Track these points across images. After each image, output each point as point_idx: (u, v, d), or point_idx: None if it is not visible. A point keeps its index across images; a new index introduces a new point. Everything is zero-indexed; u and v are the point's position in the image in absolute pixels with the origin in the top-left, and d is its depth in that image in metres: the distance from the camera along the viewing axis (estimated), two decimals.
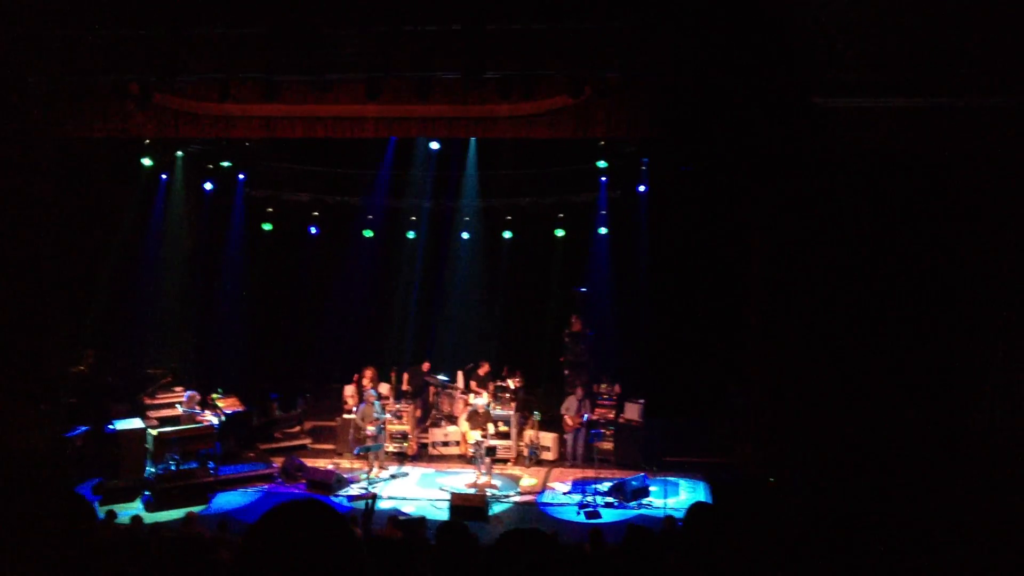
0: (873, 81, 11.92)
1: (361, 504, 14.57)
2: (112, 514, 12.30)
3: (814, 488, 12.05)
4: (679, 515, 12.53)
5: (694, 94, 12.44)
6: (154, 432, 15.19)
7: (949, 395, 11.87)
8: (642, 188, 17.42)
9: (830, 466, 11.96)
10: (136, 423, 15.73)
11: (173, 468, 15.06)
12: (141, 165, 16.80)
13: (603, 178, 18.09)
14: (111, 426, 15.67)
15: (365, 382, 17.44)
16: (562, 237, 19.09)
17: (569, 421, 16.51)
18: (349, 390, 17.61)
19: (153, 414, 16.18)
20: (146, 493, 14.79)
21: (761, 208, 13.51)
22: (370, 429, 16.01)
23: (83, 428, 15.50)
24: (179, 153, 17.95)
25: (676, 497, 14.69)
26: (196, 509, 13.81)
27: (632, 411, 16.61)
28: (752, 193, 13.52)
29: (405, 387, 17.98)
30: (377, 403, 16.36)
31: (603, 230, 18.65)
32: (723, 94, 12.38)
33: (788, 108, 12.35)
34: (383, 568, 7.92)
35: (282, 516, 2.48)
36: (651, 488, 14.90)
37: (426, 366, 18.37)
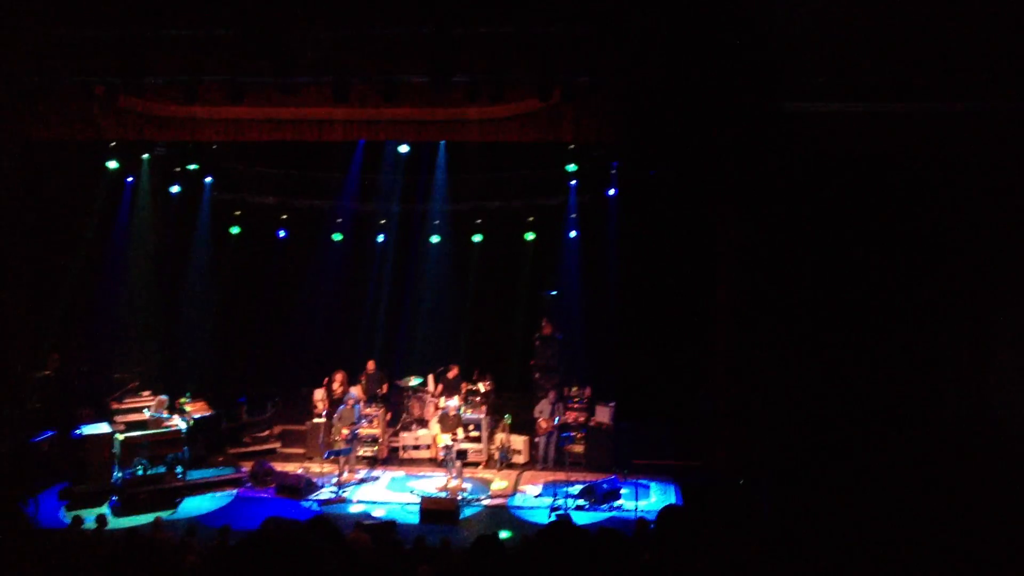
0: (843, 86, 12.03)
1: (332, 508, 14.54)
2: (79, 519, 12.16)
3: (783, 489, 12.12)
4: (651, 517, 12.56)
5: (664, 98, 12.47)
6: (121, 437, 15.03)
7: (917, 393, 11.99)
8: (612, 192, 17.46)
9: (799, 466, 12.04)
10: (103, 428, 15.57)
11: (141, 473, 14.92)
12: (106, 168, 16.63)
13: (573, 182, 18.12)
14: (78, 431, 15.49)
15: (335, 386, 17.37)
16: (532, 241, 19.10)
17: (543, 424, 16.50)
18: (319, 394, 17.53)
19: (120, 419, 16.01)
20: (113, 498, 14.65)
21: (730, 212, 13.58)
22: (345, 432, 15.95)
23: (49, 433, 15.33)
24: (145, 156, 17.77)
25: (647, 500, 14.72)
26: (164, 514, 13.67)
27: (603, 414, 16.63)
28: (721, 197, 13.58)
29: (382, 391, 17.91)
30: (357, 406, 16.31)
31: (573, 233, 18.67)
32: (693, 99, 12.43)
33: (758, 113, 12.42)
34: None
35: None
36: (622, 491, 14.91)
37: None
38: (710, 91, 12.45)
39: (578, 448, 16.51)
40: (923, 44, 11.64)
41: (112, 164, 16.63)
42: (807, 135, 12.16)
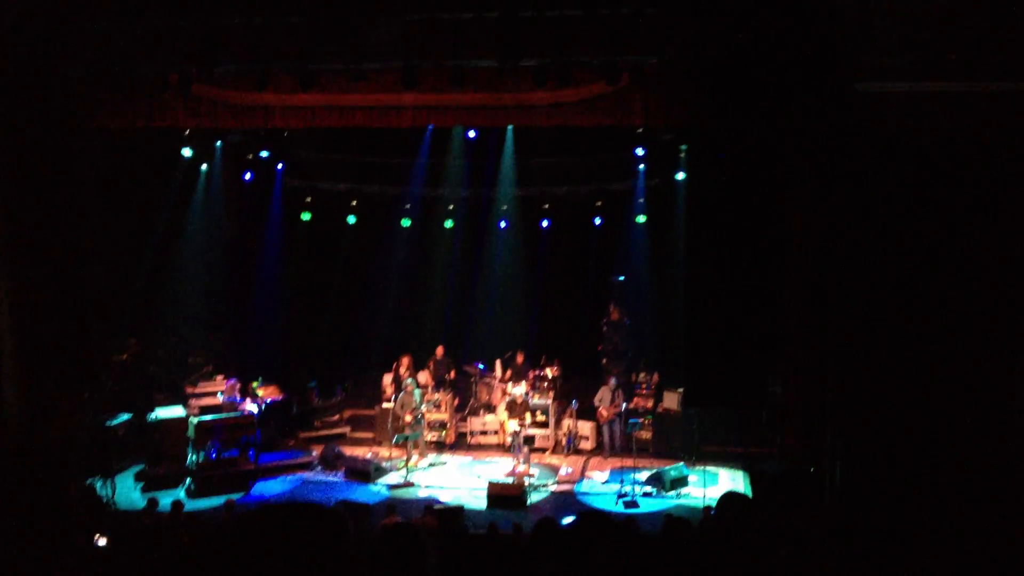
0: (917, 65, 11.71)
1: (401, 492, 14.67)
2: (154, 501, 12.45)
3: (855, 478, 11.91)
4: None
5: (733, 79, 12.28)
6: (195, 420, 15.33)
7: (992, 383, 11.66)
8: (680, 175, 17.27)
9: (871, 455, 11.80)
10: (178, 411, 15.90)
11: (214, 456, 15.21)
12: (181, 155, 16.92)
13: (641, 166, 17.98)
14: (153, 414, 15.84)
15: (402, 371, 17.50)
16: (600, 226, 19.00)
17: (604, 412, 16.42)
18: (387, 379, 17.68)
19: (194, 402, 16.36)
20: (188, 480, 14.94)
21: (801, 196, 13.35)
22: (408, 418, 16.07)
23: (126, 416, 15.66)
24: (218, 143, 18.05)
25: (715, 487, 14.59)
26: (236, 496, 13.93)
27: (670, 400, 16.53)
28: (792, 181, 13.36)
29: (450, 376, 18.00)
30: (417, 392, 16.40)
31: (641, 218, 18.53)
32: (763, 80, 12.22)
33: (829, 93, 12.16)
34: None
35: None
36: (690, 478, 14.81)
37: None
38: (780, 71, 12.23)
39: (645, 434, 16.41)
40: (1005, 18, 11.28)
41: (187, 152, 16.92)
42: (881, 116, 11.86)
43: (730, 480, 15.06)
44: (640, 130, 16.11)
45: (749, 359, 12.60)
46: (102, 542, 9.61)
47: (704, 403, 13.91)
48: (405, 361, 17.66)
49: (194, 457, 15.21)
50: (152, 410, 15.97)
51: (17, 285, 13.45)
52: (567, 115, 13.62)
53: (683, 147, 16.12)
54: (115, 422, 15.31)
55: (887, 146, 11.80)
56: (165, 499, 12.75)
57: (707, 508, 12.07)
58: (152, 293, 17.86)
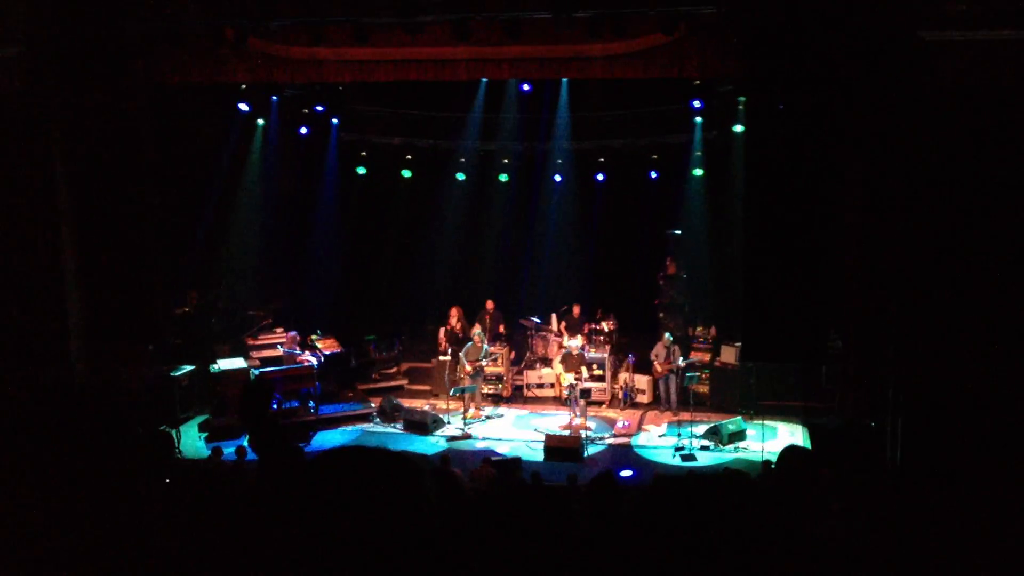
0: (982, 12, 11.36)
1: (458, 444, 14.80)
2: (218, 451, 12.70)
3: (916, 433, 11.77)
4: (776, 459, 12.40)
5: (793, 28, 12.03)
6: (256, 372, 15.58)
7: None
8: (738, 128, 16.99)
9: (932, 409, 11.65)
10: (239, 363, 16.16)
11: (275, 407, 15.46)
12: (238, 111, 17.05)
13: (698, 118, 17.74)
14: (215, 366, 16.12)
15: (452, 322, 17.59)
16: (656, 179, 18.82)
17: (658, 367, 16.38)
18: (443, 332, 17.81)
19: (255, 354, 16.62)
20: None
21: (861, 147, 13.09)
22: (469, 368, 16.19)
23: (188, 368, 15.98)
24: (274, 98, 18.14)
25: (774, 441, 14.52)
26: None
27: (728, 354, 16.44)
28: (852, 132, 13.09)
29: (500, 330, 18.06)
30: (486, 346, 16.50)
31: (698, 171, 18.32)
32: (824, 27, 11.95)
33: (892, 42, 11.87)
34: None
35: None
36: (748, 432, 14.76)
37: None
38: (841, 19, 11.95)
39: (703, 388, 16.37)
40: None
41: (243, 107, 17.03)
42: (945, 67, 11.54)
43: (789, 434, 14.98)
44: (697, 82, 15.86)
45: (808, 312, 12.46)
46: (171, 487, 9.86)
47: (762, 357, 13.80)
48: (455, 312, 17.77)
49: None
50: (214, 362, 16.25)
51: (82, 243, 13.70)
52: (622, 67, 13.45)
53: (741, 99, 15.83)
54: (178, 373, 15.62)
55: (950, 98, 11.50)
56: (228, 448, 13.00)
57: (766, 462, 12.02)
58: (211, 247, 18.09)
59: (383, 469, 2.51)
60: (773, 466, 9.87)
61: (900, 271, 12.04)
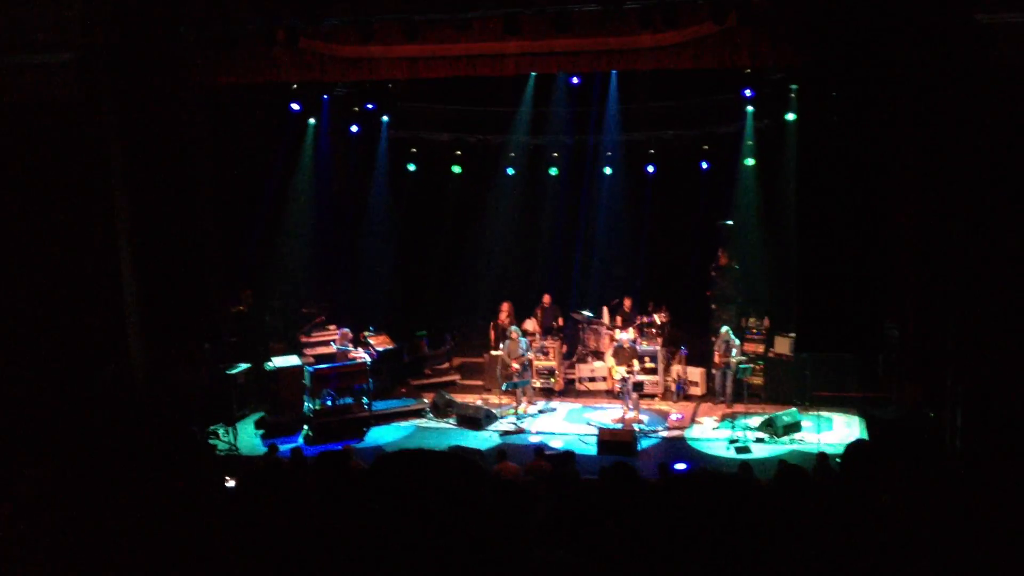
0: None
1: (511, 438, 14.83)
2: (275, 447, 12.86)
3: (977, 424, 11.58)
4: (832, 451, 12.26)
5: (846, 14, 11.86)
6: (311, 369, 15.74)
7: None
8: (791, 116, 16.80)
9: (993, 400, 11.45)
10: (294, 360, 16.33)
11: (330, 403, 15.62)
12: (289, 110, 17.20)
13: (749, 107, 17.58)
14: (270, 364, 16.31)
15: (502, 317, 17.62)
16: (707, 170, 18.69)
17: (717, 358, 16.27)
18: (493, 326, 17.84)
19: (309, 352, 16.77)
20: (305, 428, 15.38)
21: (916, 134, 12.90)
22: (515, 365, 16.21)
23: (244, 366, 16.17)
24: (325, 97, 18.28)
25: (830, 432, 14.37)
26: (351, 443, 14.29)
27: (782, 345, 16.29)
28: (908, 119, 12.90)
29: (557, 323, 18.06)
30: (523, 340, 16.51)
31: (749, 161, 18.15)
32: (877, 12, 11.78)
33: (948, 25, 11.66)
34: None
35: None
36: (803, 423, 14.62)
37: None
38: (895, 2, 11.76)
39: (757, 380, 16.24)
40: None
41: (295, 106, 17.18)
42: (1002, 51, 11.30)
43: (846, 426, 14.81)
44: (748, 71, 15.72)
45: (863, 302, 12.32)
46: (231, 484, 10.00)
47: (817, 347, 13.66)
48: (505, 308, 17.80)
49: (310, 405, 15.64)
50: (269, 359, 16.44)
51: (139, 245, 13.92)
52: (673, 58, 13.37)
53: (793, 87, 15.66)
54: (234, 371, 15.82)
55: (1008, 82, 11.27)
56: (284, 445, 13.14)
57: (821, 454, 11.88)
58: (265, 246, 18.28)
59: (443, 474, 2.52)
60: (839, 460, 9.76)
61: (960, 259, 11.83)
